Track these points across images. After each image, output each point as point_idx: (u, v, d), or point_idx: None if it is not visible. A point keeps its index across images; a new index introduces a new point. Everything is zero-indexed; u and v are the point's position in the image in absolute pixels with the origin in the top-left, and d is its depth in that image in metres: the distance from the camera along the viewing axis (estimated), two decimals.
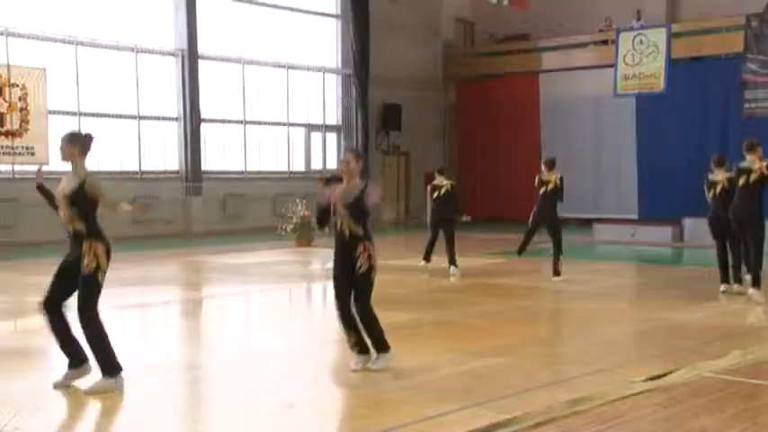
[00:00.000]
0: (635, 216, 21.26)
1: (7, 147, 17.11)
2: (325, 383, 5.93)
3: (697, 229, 17.58)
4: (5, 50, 17.12)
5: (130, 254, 15.73)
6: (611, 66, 20.54)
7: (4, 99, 17.06)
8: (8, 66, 17.09)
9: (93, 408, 5.38)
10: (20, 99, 17.27)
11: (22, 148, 17.35)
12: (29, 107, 17.41)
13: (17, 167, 17.38)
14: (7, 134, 17.12)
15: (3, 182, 17.10)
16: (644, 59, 19.61)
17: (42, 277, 11.93)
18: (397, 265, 13.01)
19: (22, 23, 17.47)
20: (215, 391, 5.84)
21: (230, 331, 8.43)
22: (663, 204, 20.82)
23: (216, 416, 5.27)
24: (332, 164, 23.93)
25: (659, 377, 5.80)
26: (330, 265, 12.75)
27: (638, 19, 21.26)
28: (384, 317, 8.64)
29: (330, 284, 11.92)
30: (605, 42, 22.57)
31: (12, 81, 17.12)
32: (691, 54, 21.13)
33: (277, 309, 10.18)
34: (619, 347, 7.31)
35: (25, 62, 17.40)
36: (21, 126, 17.30)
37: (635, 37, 19.91)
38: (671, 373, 5.91)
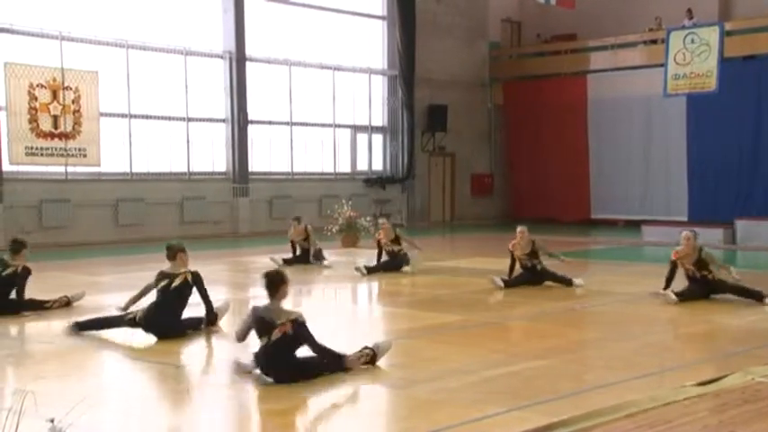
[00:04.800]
0: (684, 218, 20.89)
1: (60, 148, 17.52)
2: (370, 384, 5.94)
3: (750, 230, 17.24)
4: (60, 54, 17.53)
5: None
6: (660, 65, 20.21)
7: (58, 102, 17.47)
8: (62, 69, 17.50)
9: (143, 406, 5.47)
10: (73, 102, 17.68)
11: (75, 149, 17.75)
12: (81, 109, 17.80)
13: (70, 169, 17.78)
14: (61, 136, 17.52)
15: (56, 183, 17.51)
16: (695, 59, 19.24)
17: (95, 277, 12.19)
18: (443, 267, 12.98)
19: (76, 28, 17.86)
20: (260, 392, 5.89)
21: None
22: (714, 205, 20.43)
23: (260, 416, 5.32)
24: (377, 165, 23.99)
25: (710, 382, 5.68)
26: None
27: (690, 18, 20.88)
28: (430, 318, 8.67)
29: (372, 284, 11.96)
30: (655, 42, 22.23)
31: (66, 84, 17.53)
32: (744, 53, 20.71)
33: (322, 309, 10.23)
34: (668, 351, 7.18)
35: (78, 66, 17.81)
36: (74, 128, 17.69)
37: (686, 36, 19.55)
38: (722, 377, 5.78)
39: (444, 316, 8.72)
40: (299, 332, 5.81)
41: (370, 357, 6.21)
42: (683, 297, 9.40)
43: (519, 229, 11.11)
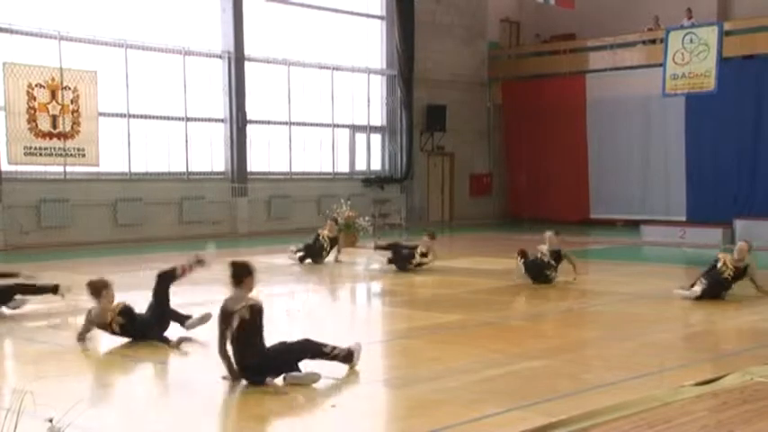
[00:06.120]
0: (683, 218, 20.91)
1: (59, 148, 17.50)
2: (369, 384, 5.93)
3: (749, 231, 17.24)
4: (59, 54, 17.51)
5: (177, 254, 15.96)
6: (659, 65, 20.23)
7: (57, 102, 17.46)
8: (61, 69, 17.49)
9: (144, 405, 5.47)
10: (72, 101, 17.66)
11: (74, 149, 17.73)
12: (80, 109, 17.78)
13: (68, 169, 17.77)
14: (59, 136, 17.51)
15: (55, 183, 17.49)
16: (694, 58, 19.25)
17: (95, 276, 12.16)
18: (442, 267, 12.97)
19: (75, 28, 17.85)
20: (259, 391, 5.88)
21: (275, 332, 8.47)
22: (713, 205, 20.44)
23: (260, 416, 5.32)
24: (376, 165, 23.99)
25: (709, 382, 5.69)
26: (374, 265, 12.79)
27: (689, 17, 20.90)
28: (429, 317, 8.67)
29: (374, 285, 11.97)
30: (653, 41, 22.24)
31: (64, 84, 17.51)
32: (743, 52, 20.72)
33: (322, 309, 10.23)
34: (667, 351, 7.18)
35: (77, 65, 17.79)
36: (72, 128, 17.68)
37: (685, 35, 19.56)
38: (722, 377, 5.79)
39: (444, 316, 8.72)
40: (254, 317, 5.79)
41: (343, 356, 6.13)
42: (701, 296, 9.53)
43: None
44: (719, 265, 9.67)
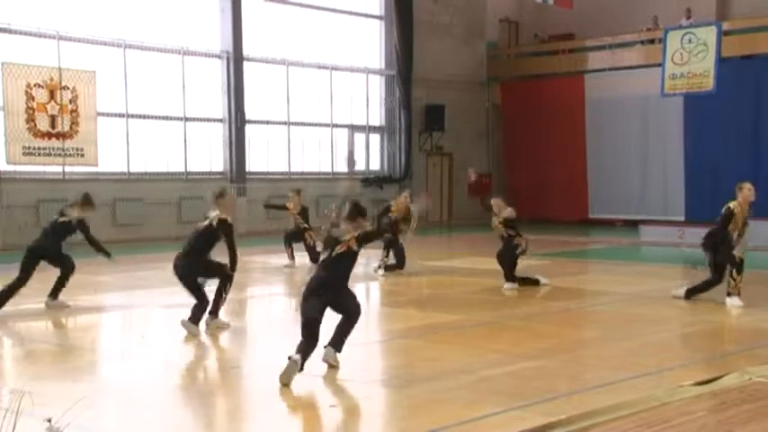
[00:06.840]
0: (682, 217, 20.92)
1: (58, 148, 17.49)
2: (369, 384, 5.93)
3: (748, 230, 17.20)
4: (57, 54, 17.50)
5: (176, 253, 15.94)
6: (658, 65, 20.24)
7: (55, 101, 17.45)
8: (60, 69, 17.48)
9: (142, 404, 5.47)
10: (70, 101, 17.65)
11: (73, 149, 17.72)
12: (79, 109, 17.78)
13: (67, 168, 17.76)
14: (58, 136, 17.50)
15: (54, 183, 17.47)
16: (693, 58, 19.25)
17: (93, 276, 12.18)
18: (441, 267, 12.98)
19: (73, 28, 17.83)
20: (258, 392, 5.89)
21: (274, 331, 8.48)
22: (711, 205, 20.41)
23: (259, 416, 5.32)
24: (375, 165, 23.98)
25: (708, 381, 5.69)
26: (379, 270, 12.71)
27: (688, 17, 20.90)
28: (428, 317, 8.67)
29: (372, 285, 11.96)
30: (652, 41, 22.25)
31: (63, 84, 17.50)
32: (742, 52, 20.73)
33: None
34: (666, 351, 7.18)
35: (76, 65, 17.77)
36: (71, 128, 17.67)
37: (683, 35, 19.56)
38: (721, 377, 5.79)
39: (443, 316, 8.72)
40: (362, 242, 6.20)
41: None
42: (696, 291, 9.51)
43: (492, 200, 10.96)
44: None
